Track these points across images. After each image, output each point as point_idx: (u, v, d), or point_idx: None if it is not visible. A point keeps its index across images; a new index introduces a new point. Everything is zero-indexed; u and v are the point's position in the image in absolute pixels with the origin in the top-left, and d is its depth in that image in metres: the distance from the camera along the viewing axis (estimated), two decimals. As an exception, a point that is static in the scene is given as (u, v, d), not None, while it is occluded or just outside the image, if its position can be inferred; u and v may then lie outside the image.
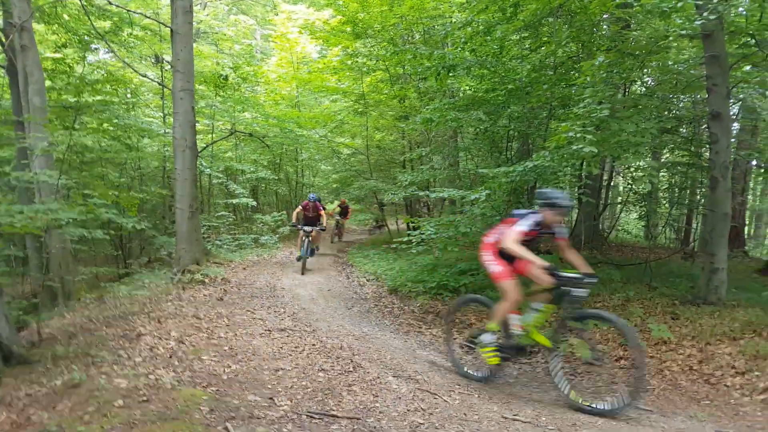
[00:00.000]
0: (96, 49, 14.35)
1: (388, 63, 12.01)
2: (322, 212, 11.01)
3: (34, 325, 6.14)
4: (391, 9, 11.64)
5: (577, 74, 7.15)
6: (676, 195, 10.25)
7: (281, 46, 17.36)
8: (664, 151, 10.95)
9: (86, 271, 9.72)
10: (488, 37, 7.85)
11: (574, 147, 4.76)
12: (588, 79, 5.36)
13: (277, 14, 17.93)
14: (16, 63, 8.78)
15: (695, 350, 5.12)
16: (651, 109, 5.71)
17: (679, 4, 4.60)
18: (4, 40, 9.77)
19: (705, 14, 4.60)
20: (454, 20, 11.16)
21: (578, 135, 4.73)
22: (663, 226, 11.51)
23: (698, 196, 10.07)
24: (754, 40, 6.19)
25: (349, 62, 13.43)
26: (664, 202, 10.71)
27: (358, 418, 3.72)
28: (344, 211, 16.57)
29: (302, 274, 9.96)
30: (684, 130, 8.91)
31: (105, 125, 12.70)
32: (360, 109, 14.21)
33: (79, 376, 4.13)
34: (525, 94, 7.36)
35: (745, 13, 5.69)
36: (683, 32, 5.15)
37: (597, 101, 5.07)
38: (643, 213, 9.75)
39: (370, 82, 13.91)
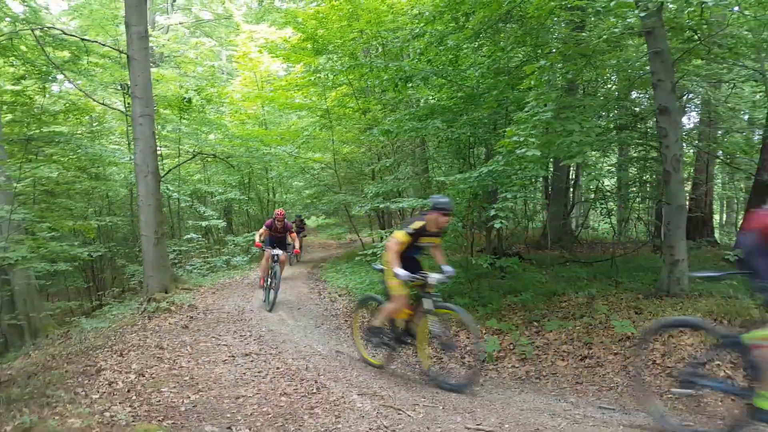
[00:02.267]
0: (59, 79, 14.12)
1: (351, 77, 12.04)
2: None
3: (-4, 367, 6.00)
4: (350, 24, 11.69)
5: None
6: (640, 189, 10.39)
7: (244, 66, 17.33)
8: (630, 148, 11.10)
9: (54, 306, 9.50)
10: (442, 47, 7.90)
11: (518, 151, 4.78)
12: (532, 82, 5.42)
13: (239, 35, 17.90)
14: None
15: (658, 344, 5.14)
16: (596, 107, 5.78)
17: (612, 3, 4.67)
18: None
19: (636, 11, 4.69)
20: (410, 32, 11.24)
21: (522, 139, 4.76)
22: (631, 221, 11.64)
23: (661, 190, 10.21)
24: (696, 35, 6.32)
25: (312, 78, 13.42)
26: (631, 196, 10.84)
27: (315, 442, 3.65)
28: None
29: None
30: (648, 125, 9.02)
31: (66, 156, 12.50)
32: (326, 124, 14.19)
33: (30, 419, 4.02)
34: (479, 100, 7.40)
35: (673, 7, 5.79)
36: (615, 29, 5.23)
37: (543, 104, 5.11)
38: (605, 210, 9.86)
39: (335, 96, 13.91)
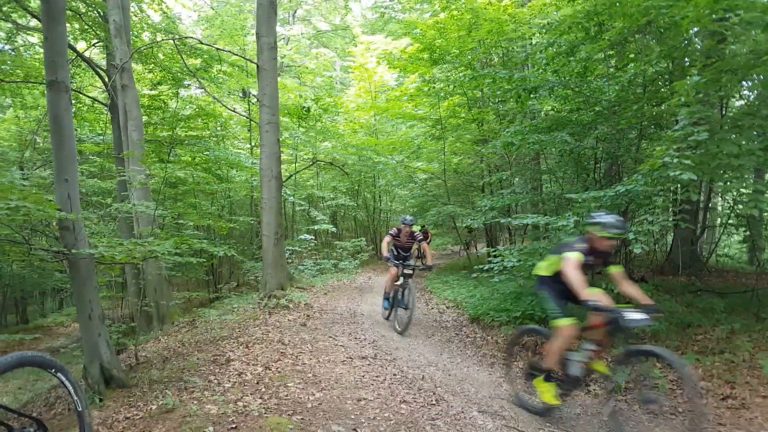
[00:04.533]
0: (188, 85, 15.40)
1: (466, 87, 11.96)
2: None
3: (131, 347, 6.57)
4: (469, 34, 11.61)
5: (668, 92, 6.74)
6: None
7: (360, 77, 17.86)
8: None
9: (179, 295, 10.25)
10: (571, 58, 7.62)
11: (671, 173, 4.43)
12: (682, 99, 5.01)
13: (356, 45, 18.48)
14: (117, 101, 9.51)
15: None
16: (755, 127, 5.20)
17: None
18: (107, 80, 10.67)
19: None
20: (534, 42, 10.94)
21: (674, 160, 4.42)
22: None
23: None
24: None
25: (426, 89, 13.51)
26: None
27: (443, 456, 3.62)
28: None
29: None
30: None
31: (197, 158, 13.55)
32: (437, 134, 14.22)
33: (173, 401, 4.32)
34: (613, 114, 7.02)
35: None
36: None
37: (693, 122, 4.72)
38: (745, 237, 8.87)
39: (447, 106, 13.90)
